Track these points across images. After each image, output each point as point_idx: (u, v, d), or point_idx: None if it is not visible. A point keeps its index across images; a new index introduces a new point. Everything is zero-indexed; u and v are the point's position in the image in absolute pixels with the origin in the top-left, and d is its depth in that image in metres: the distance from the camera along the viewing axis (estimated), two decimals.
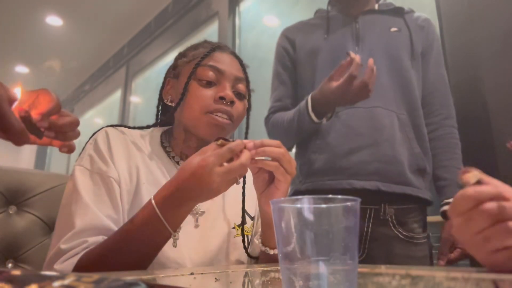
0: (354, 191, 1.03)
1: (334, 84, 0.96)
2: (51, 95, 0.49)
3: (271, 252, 0.72)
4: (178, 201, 0.60)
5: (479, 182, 0.44)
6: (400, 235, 1.06)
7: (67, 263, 0.60)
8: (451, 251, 1.05)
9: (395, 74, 1.12)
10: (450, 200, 1.06)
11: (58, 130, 0.50)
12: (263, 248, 0.73)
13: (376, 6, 1.24)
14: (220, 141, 0.61)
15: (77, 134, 0.53)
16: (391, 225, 1.06)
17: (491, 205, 0.42)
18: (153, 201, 0.60)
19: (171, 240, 0.70)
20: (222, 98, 0.75)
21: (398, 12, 1.21)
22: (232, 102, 0.76)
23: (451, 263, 1.05)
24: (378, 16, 1.20)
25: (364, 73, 0.94)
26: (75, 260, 0.61)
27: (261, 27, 2.69)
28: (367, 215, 1.06)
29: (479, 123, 1.25)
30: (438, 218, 1.12)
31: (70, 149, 0.53)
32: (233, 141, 0.62)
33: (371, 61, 0.94)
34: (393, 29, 1.17)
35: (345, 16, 1.21)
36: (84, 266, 0.59)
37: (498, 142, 1.19)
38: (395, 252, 1.05)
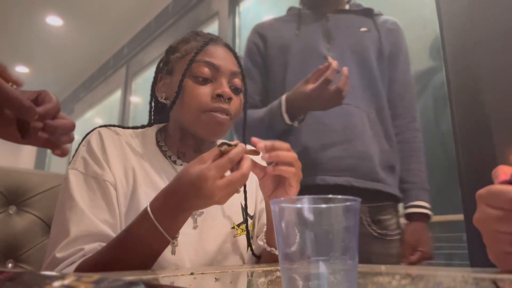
0: (327, 187, 1.04)
1: (310, 87, 0.96)
2: (51, 96, 0.48)
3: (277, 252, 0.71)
4: (176, 210, 0.58)
5: None
6: (374, 233, 1.07)
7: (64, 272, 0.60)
8: (412, 253, 1.07)
9: (364, 74, 1.14)
10: (415, 203, 1.10)
11: (52, 132, 0.48)
12: (269, 249, 0.72)
13: (347, 6, 1.26)
14: (224, 147, 0.58)
15: (71, 139, 0.52)
16: (365, 223, 1.07)
17: None
18: (149, 210, 0.58)
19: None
20: (219, 95, 0.73)
21: (368, 13, 1.23)
22: (229, 99, 0.74)
23: (412, 265, 1.06)
24: (348, 16, 1.22)
25: (339, 80, 0.94)
26: (71, 269, 0.59)
27: None
28: None
29: (479, 123, 1.25)
30: (436, 218, 1.13)
31: (64, 153, 0.52)
32: (235, 146, 0.59)
33: (345, 69, 0.95)
34: (363, 29, 1.19)
35: (316, 15, 1.22)
36: None
37: (498, 142, 1.19)
38: (370, 250, 1.06)
